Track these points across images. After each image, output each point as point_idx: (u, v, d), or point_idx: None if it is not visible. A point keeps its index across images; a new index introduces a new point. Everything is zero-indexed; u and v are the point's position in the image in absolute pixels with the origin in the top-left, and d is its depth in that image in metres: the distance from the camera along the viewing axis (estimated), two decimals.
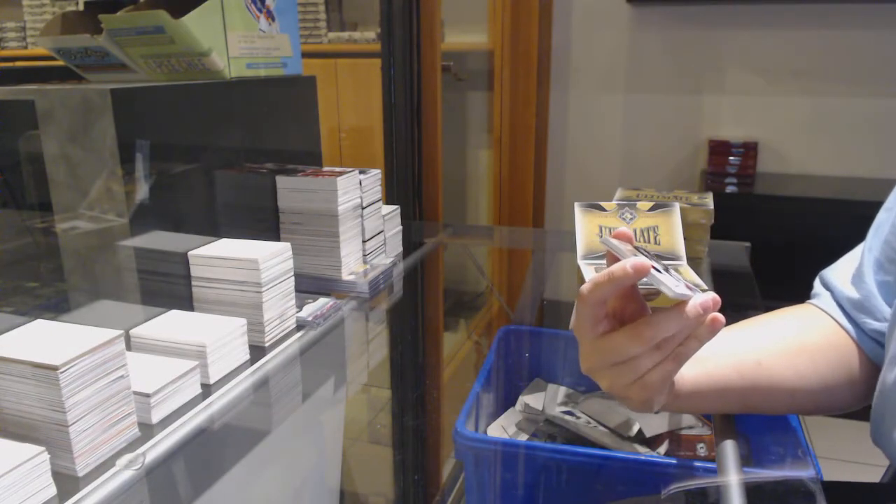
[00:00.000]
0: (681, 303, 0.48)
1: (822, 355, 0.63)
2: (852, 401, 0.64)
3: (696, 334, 0.50)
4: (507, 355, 1.11)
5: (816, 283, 0.71)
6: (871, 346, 0.63)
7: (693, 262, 1.05)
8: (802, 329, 0.66)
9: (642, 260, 0.47)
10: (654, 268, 0.48)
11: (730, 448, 0.63)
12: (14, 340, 0.57)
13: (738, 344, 0.64)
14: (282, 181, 0.96)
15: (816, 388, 0.62)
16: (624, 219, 0.70)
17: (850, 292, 0.64)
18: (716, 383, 0.61)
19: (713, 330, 0.49)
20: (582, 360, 0.55)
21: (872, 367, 0.63)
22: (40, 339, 0.57)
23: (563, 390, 1.13)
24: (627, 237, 0.52)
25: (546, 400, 1.10)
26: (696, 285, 0.57)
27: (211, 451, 0.67)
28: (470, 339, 1.80)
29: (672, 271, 0.51)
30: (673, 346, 0.50)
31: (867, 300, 0.62)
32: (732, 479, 0.59)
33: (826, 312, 0.66)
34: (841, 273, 0.67)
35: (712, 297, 0.48)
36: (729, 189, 2.27)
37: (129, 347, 0.67)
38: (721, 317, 0.49)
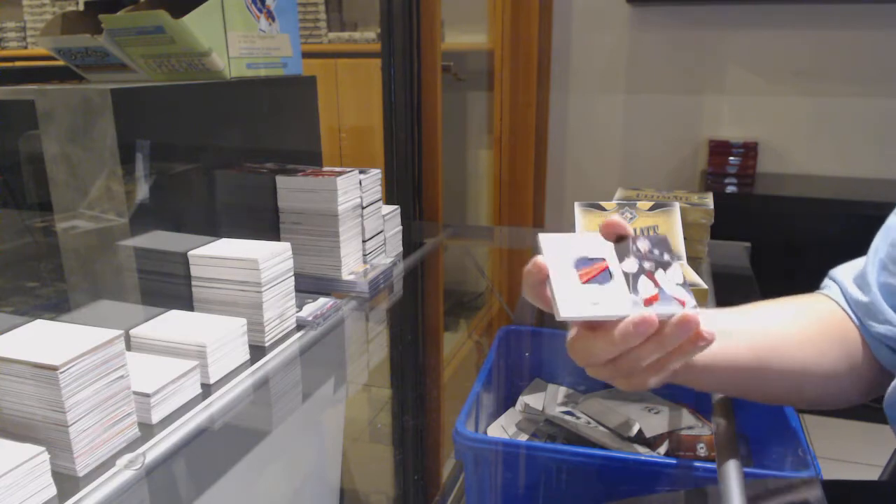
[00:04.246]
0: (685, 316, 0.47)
1: (829, 343, 0.63)
2: (855, 392, 0.64)
3: (685, 346, 0.48)
4: (507, 355, 1.10)
5: (826, 279, 0.71)
6: (875, 344, 0.63)
7: (693, 262, 1.05)
8: (814, 315, 0.66)
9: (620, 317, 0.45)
10: (641, 273, 0.47)
11: (730, 447, 0.63)
12: (14, 340, 0.57)
13: (755, 322, 0.64)
14: (282, 181, 0.96)
15: (822, 374, 0.62)
16: (624, 218, 0.70)
17: (856, 293, 0.65)
18: (730, 360, 0.60)
19: (705, 342, 0.48)
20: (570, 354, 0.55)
21: (876, 363, 0.63)
22: (40, 339, 0.57)
23: (563, 390, 1.13)
24: (616, 231, 0.50)
25: (546, 400, 1.10)
26: (695, 284, 0.56)
27: (211, 451, 0.67)
28: (470, 339, 1.80)
29: (661, 273, 0.50)
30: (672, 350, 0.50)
31: (871, 304, 0.62)
32: (732, 477, 0.59)
33: (835, 301, 0.67)
34: (848, 271, 0.67)
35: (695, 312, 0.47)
36: (729, 189, 2.27)
37: (129, 347, 0.67)
38: (710, 332, 0.48)
